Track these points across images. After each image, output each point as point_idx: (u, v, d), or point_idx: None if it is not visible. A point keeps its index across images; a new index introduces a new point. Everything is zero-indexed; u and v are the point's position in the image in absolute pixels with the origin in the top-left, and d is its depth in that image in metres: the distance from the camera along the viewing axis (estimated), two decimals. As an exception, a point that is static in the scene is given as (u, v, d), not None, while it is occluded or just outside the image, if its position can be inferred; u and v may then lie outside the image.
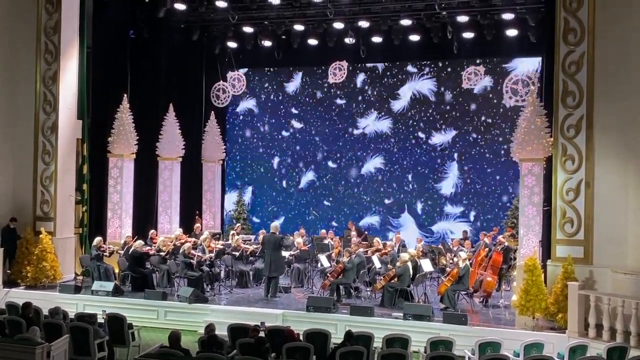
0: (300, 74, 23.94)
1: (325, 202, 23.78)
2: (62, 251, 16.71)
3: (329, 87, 23.23)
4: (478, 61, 20.80)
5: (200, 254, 16.02)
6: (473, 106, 22.02)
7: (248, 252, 17.33)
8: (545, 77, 15.39)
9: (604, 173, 13.17)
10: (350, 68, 20.72)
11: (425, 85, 22.61)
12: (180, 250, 15.82)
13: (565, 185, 13.38)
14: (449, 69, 22.26)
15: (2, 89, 16.82)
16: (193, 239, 17.85)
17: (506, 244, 15.88)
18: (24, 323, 10.39)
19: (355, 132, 23.42)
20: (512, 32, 19.12)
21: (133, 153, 18.52)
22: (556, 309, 12.70)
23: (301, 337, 10.48)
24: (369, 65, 22.94)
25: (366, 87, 23.28)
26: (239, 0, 19.27)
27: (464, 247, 17.61)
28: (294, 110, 24.15)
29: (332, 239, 18.47)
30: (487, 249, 16.06)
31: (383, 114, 23.07)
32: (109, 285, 14.99)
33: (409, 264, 14.75)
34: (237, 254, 16.94)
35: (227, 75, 22.01)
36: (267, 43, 21.65)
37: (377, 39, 20.67)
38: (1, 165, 16.81)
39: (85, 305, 14.52)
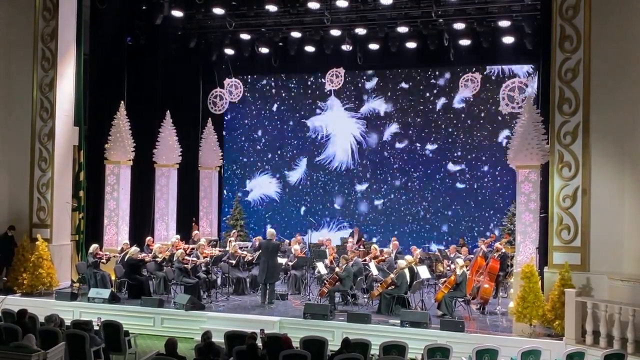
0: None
1: (320, 207, 23.84)
2: (59, 258, 16.68)
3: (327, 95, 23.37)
4: (474, 68, 20.87)
5: (194, 259, 16.04)
6: (469, 112, 22.10)
7: (245, 259, 17.32)
8: (542, 84, 15.43)
9: (601, 180, 13.18)
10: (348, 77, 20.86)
11: (423, 91, 22.73)
12: (175, 257, 15.81)
13: (561, 192, 13.39)
14: (446, 76, 22.34)
15: (-2, 95, 16.85)
16: (189, 246, 17.85)
17: (503, 250, 15.88)
18: (19, 330, 10.35)
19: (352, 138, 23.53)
20: (508, 39, 19.21)
21: (130, 160, 18.52)
22: (553, 315, 12.69)
23: (298, 345, 10.46)
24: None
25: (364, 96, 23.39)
26: (236, 8, 19.31)
27: (461, 253, 17.61)
28: (290, 117, 24.22)
29: (327, 246, 18.45)
30: (484, 255, 16.07)
31: (382, 122, 23.18)
32: (105, 293, 14.95)
33: (406, 270, 14.76)
34: (234, 262, 16.93)
35: (224, 82, 22.06)
36: (264, 50, 21.72)
37: (374, 46, 20.74)
38: (-2, 172, 16.83)
39: (81, 313, 14.47)
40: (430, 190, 22.50)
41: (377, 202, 23.12)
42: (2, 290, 16.02)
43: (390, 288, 14.59)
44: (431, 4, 18.00)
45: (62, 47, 17.02)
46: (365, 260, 16.68)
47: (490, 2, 18.16)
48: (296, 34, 20.67)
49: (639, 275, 12.52)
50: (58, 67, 16.91)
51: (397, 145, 22.95)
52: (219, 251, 17.71)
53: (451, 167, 22.34)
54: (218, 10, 18.95)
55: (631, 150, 12.98)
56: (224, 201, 24.41)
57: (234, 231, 22.21)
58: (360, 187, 23.35)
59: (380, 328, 13.07)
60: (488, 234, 20.47)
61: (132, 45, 20.29)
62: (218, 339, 10.58)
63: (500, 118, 21.44)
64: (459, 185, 22.26)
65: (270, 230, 16.19)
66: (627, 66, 13.04)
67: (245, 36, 21.12)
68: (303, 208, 24.00)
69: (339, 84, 20.30)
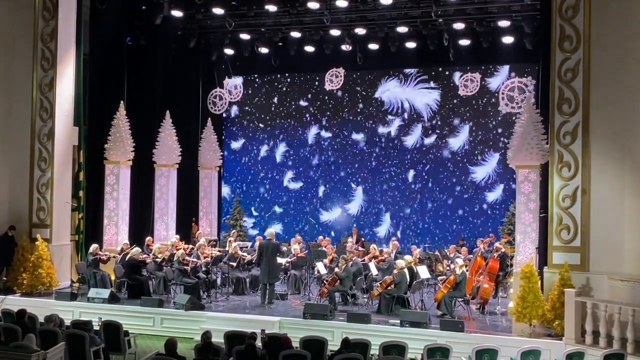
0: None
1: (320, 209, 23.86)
2: (58, 258, 16.66)
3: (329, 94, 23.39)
4: (474, 68, 20.86)
5: (195, 259, 16.03)
6: (469, 112, 22.11)
7: (245, 260, 17.32)
8: (541, 84, 15.43)
9: (600, 180, 13.18)
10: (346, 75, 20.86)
11: (421, 92, 22.70)
12: (175, 257, 15.81)
13: (561, 192, 13.38)
14: (445, 76, 22.34)
15: (-2, 95, 16.84)
16: (189, 246, 17.85)
17: (503, 250, 15.88)
18: (19, 330, 10.34)
19: (353, 137, 23.52)
20: (508, 39, 19.22)
21: (129, 160, 18.52)
22: (553, 315, 12.69)
23: (298, 345, 10.46)
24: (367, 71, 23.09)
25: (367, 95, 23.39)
26: (236, 8, 19.30)
27: (460, 253, 17.61)
28: (291, 118, 24.23)
29: (326, 246, 18.44)
30: (483, 255, 16.07)
31: (380, 123, 23.18)
32: (105, 293, 14.95)
33: (406, 270, 14.75)
34: (235, 263, 16.92)
35: (223, 82, 22.06)
36: (264, 50, 21.73)
37: (373, 46, 20.74)
38: (-3, 172, 16.82)
39: (81, 313, 14.46)
40: (432, 195, 22.57)
41: (375, 206, 23.19)
42: (2, 290, 16.01)
43: (390, 288, 14.60)
44: (431, 4, 18.01)
45: (62, 47, 17.01)
46: (364, 260, 16.68)
47: (490, 2, 18.17)
48: (296, 34, 20.67)
49: (638, 275, 12.52)
50: (58, 67, 16.89)
51: (398, 144, 22.98)
52: (219, 251, 17.70)
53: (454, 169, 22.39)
54: (218, 10, 18.95)
55: (631, 150, 12.97)
56: (223, 201, 24.44)
57: (233, 231, 22.22)
58: (359, 191, 23.39)
59: (380, 328, 13.06)
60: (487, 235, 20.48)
61: (132, 45, 20.29)
62: (218, 339, 10.58)
63: (500, 118, 21.50)
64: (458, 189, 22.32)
65: (269, 230, 16.20)
66: (627, 66, 13.04)
67: (245, 36, 21.13)
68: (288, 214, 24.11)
69: (339, 83, 20.33)
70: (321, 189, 23.76)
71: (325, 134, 23.76)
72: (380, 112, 23.05)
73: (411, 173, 22.73)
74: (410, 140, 22.72)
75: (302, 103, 24.03)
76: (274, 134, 24.36)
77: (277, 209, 24.30)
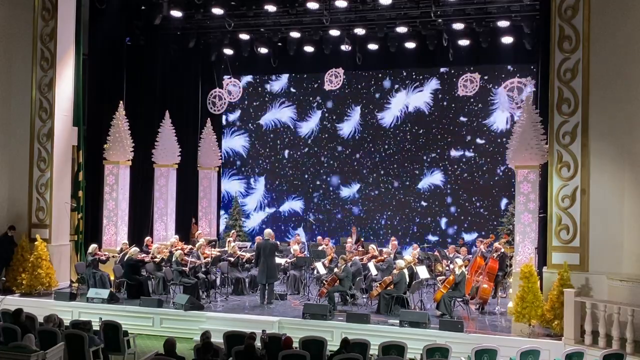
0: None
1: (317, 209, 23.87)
2: (58, 258, 16.66)
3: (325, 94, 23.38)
4: (473, 68, 20.87)
5: (194, 259, 16.02)
6: (469, 112, 22.12)
7: (244, 260, 17.32)
8: (541, 84, 15.44)
9: (600, 180, 13.19)
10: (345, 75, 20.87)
11: (420, 92, 22.70)
12: (173, 258, 15.81)
13: (560, 192, 13.39)
14: (445, 76, 22.34)
15: (-3, 95, 16.84)
16: (188, 246, 17.85)
17: (502, 250, 15.88)
18: (19, 330, 10.34)
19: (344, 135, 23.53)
20: (507, 40, 19.22)
21: (129, 160, 18.52)
22: (552, 315, 12.70)
23: (297, 345, 10.47)
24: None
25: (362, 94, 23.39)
26: (236, 8, 19.29)
27: (460, 253, 17.61)
28: (290, 116, 24.22)
29: (326, 246, 18.45)
30: (483, 256, 16.07)
31: (376, 122, 23.18)
32: (105, 293, 14.95)
33: (405, 270, 14.76)
34: (233, 259, 16.93)
35: (223, 82, 22.06)
36: (264, 50, 21.72)
37: (373, 46, 20.74)
38: (-3, 172, 16.82)
39: (80, 313, 14.46)
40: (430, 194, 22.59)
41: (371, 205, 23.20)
42: (1, 290, 16.00)
43: (389, 288, 14.60)
44: (430, 4, 18.00)
45: (61, 47, 17.00)
46: (362, 260, 16.67)
47: (489, 2, 18.15)
48: (295, 34, 20.66)
49: (637, 275, 12.53)
50: (57, 67, 16.88)
51: (395, 146, 22.98)
52: (218, 252, 17.70)
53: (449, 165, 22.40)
54: (217, 10, 18.93)
55: (630, 150, 12.99)
56: (223, 201, 24.43)
57: (233, 231, 22.21)
58: (352, 189, 23.40)
59: (379, 328, 13.07)
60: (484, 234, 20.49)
61: (132, 45, 20.30)
62: (217, 339, 10.58)
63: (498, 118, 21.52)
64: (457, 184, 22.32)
65: (267, 231, 16.18)
66: (626, 66, 13.05)
67: (244, 36, 21.11)
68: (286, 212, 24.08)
69: (338, 84, 20.33)
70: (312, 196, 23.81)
71: (324, 134, 23.75)
72: (379, 111, 23.07)
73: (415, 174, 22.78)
74: (408, 141, 22.77)
75: (302, 103, 24.01)
76: (273, 134, 24.35)
77: (269, 211, 24.34)
